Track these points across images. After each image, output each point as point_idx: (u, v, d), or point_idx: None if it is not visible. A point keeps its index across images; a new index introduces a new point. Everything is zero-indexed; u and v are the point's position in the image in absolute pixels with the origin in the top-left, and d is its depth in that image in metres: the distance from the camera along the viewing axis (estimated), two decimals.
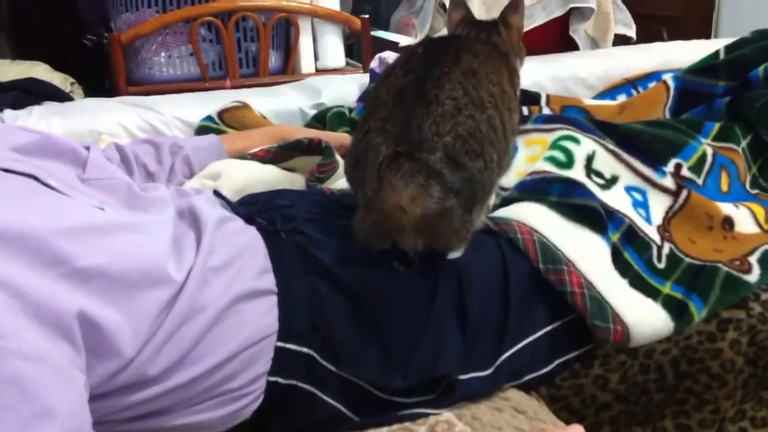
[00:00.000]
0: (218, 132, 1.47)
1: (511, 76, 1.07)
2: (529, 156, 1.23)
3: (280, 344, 0.90)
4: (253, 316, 0.89)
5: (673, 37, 2.71)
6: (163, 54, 2.10)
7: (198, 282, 0.85)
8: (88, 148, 1.06)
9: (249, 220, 1.00)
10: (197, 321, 0.84)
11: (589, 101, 1.66)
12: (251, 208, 1.05)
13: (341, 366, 0.92)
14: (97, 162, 1.03)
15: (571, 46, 2.31)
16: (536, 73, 1.83)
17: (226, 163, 1.25)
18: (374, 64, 1.81)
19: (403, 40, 2.46)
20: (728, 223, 1.19)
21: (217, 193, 1.07)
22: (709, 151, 1.27)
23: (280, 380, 0.90)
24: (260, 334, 0.88)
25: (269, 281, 0.92)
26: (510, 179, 1.18)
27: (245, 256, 0.92)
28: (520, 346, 1.00)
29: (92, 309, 0.74)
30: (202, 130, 1.53)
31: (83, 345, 0.73)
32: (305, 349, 0.91)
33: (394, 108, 0.94)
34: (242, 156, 1.27)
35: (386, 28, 3.65)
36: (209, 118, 1.55)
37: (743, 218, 1.20)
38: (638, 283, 1.06)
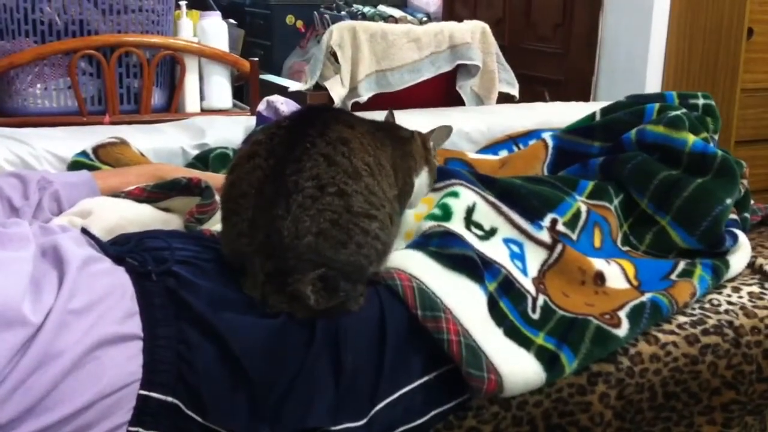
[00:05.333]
0: (92, 168, 1.41)
1: (404, 157, 1.13)
2: (417, 213, 1.23)
3: (143, 392, 0.85)
4: (115, 363, 0.84)
5: (554, 98, 2.83)
6: (39, 86, 2.00)
7: (57, 325, 0.81)
8: None
9: (119, 260, 0.96)
10: (53, 366, 0.79)
11: (472, 155, 1.70)
12: (122, 248, 1.00)
13: (207, 417, 0.88)
14: None
15: (457, 101, 2.36)
16: (423, 125, 1.85)
17: (97, 201, 1.19)
18: (261, 107, 1.79)
19: (293, 85, 2.46)
20: (600, 278, 1.22)
21: (85, 231, 1.01)
22: (584, 208, 1.31)
23: (142, 431, 0.86)
24: (122, 382, 0.84)
25: (135, 326, 0.88)
26: (397, 243, 1.17)
27: (110, 299, 0.88)
28: (395, 396, 0.99)
29: None
30: (74, 165, 1.47)
31: None
32: (170, 399, 0.87)
33: (256, 208, 0.97)
34: (116, 194, 1.22)
35: (279, 74, 3.65)
36: (83, 153, 1.49)
37: (614, 274, 1.24)
38: (513, 333, 1.07)
